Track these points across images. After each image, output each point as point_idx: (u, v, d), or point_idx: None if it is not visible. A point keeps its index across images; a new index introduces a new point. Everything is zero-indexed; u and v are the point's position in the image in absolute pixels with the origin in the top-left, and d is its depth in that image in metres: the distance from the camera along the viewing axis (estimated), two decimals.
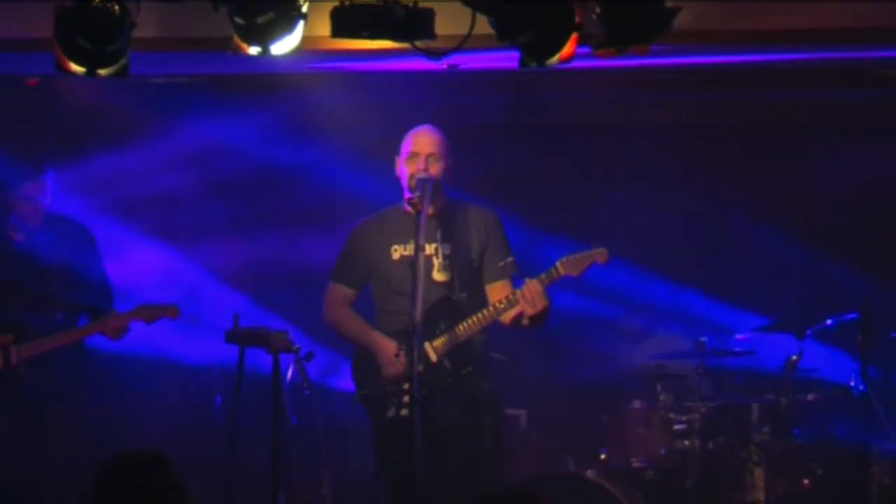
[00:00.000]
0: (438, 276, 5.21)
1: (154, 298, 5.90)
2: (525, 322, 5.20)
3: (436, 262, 5.21)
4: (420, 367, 5.01)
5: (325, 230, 6.88)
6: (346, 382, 6.48)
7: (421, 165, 5.15)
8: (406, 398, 4.87)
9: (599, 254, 5.15)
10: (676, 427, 6.49)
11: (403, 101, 6.48)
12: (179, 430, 6.93)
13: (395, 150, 5.32)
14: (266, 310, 6.85)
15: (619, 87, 6.59)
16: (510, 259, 5.31)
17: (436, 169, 5.18)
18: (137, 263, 6.88)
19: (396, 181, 5.33)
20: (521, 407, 6.68)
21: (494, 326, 5.29)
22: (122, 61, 4.55)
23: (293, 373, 6.26)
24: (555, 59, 4.52)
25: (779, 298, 7.15)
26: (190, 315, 6.57)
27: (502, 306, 5.13)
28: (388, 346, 5.17)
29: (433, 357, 5.16)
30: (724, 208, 7.35)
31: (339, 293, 5.38)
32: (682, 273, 7.36)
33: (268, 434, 5.44)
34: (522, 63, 4.57)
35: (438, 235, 5.23)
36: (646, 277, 7.32)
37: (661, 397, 6.55)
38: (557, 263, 5.12)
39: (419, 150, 5.19)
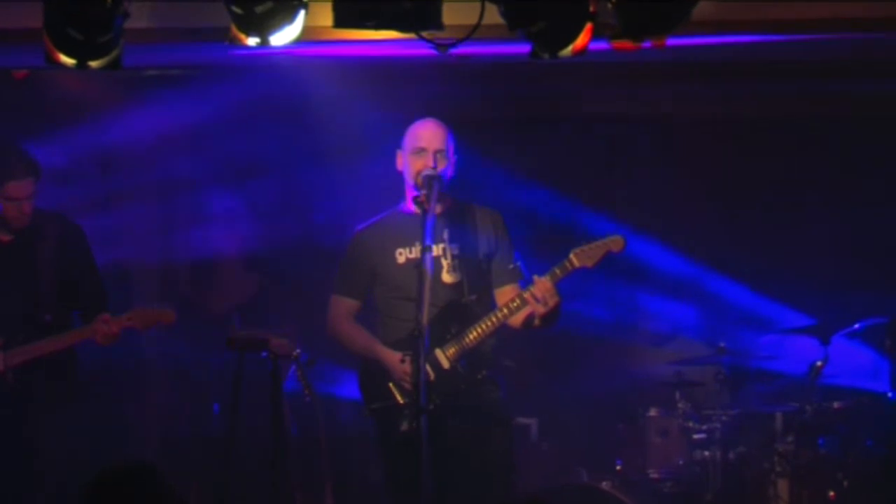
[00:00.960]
0: (448, 277, 5.15)
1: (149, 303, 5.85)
2: (536, 323, 5.13)
3: (444, 263, 5.15)
4: (431, 376, 5.00)
5: (322, 225, 6.88)
6: (349, 390, 6.45)
7: (430, 162, 5.07)
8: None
9: (614, 241, 5.05)
10: (696, 436, 6.47)
11: (403, 91, 6.44)
12: (175, 439, 6.92)
13: (397, 144, 5.23)
14: (266, 312, 6.83)
15: (648, 78, 6.56)
16: (518, 262, 5.23)
17: (444, 165, 5.10)
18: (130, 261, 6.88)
19: (397, 177, 5.24)
20: (531, 415, 6.66)
21: (504, 331, 5.21)
22: (115, 53, 4.51)
23: (294, 380, 6.25)
24: (568, 50, 4.48)
25: (806, 300, 7.11)
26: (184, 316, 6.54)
27: (515, 306, 5.06)
28: (396, 359, 5.08)
29: (445, 363, 5.09)
30: (748, 206, 7.35)
31: (343, 306, 5.29)
32: (704, 273, 7.35)
33: (267, 444, 5.41)
34: (533, 55, 4.52)
35: (446, 235, 5.17)
36: (664, 277, 7.31)
37: (680, 405, 6.52)
38: (571, 255, 5.03)
39: (427, 146, 5.11)
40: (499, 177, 6.80)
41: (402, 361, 5.03)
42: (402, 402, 5.06)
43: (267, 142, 7.06)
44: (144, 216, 7.15)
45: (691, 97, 7.09)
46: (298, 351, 5.44)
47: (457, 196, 5.28)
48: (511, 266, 5.23)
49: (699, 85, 6.85)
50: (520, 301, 5.06)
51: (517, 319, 5.15)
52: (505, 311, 5.09)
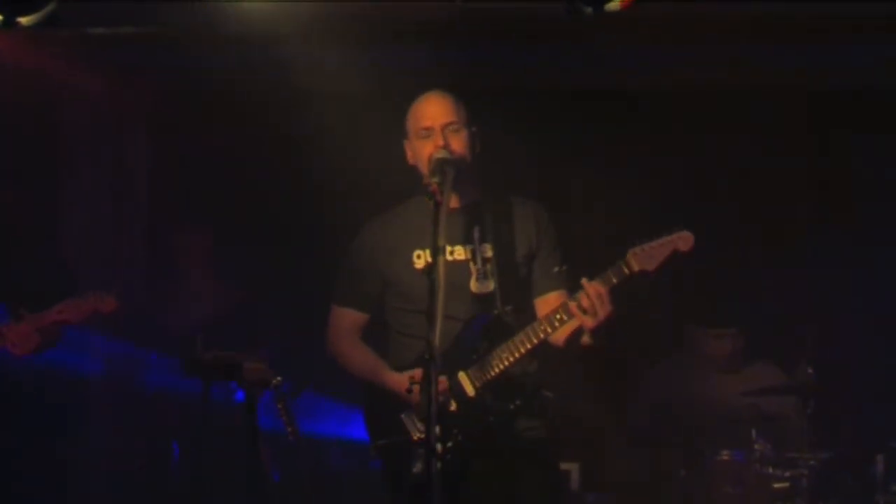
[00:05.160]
0: (477, 286, 5.10)
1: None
2: (585, 340, 5.04)
3: (473, 268, 5.09)
4: (452, 406, 4.92)
5: (312, 223, 6.87)
6: (342, 427, 6.42)
7: (439, 141, 5.02)
8: (439, 447, 4.59)
9: (682, 238, 4.92)
10: (777, 485, 6.45)
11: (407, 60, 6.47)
12: (126, 487, 6.88)
13: (402, 132, 5.19)
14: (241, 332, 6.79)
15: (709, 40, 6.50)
16: (565, 266, 5.16)
17: (459, 143, 5.04)
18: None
19: (409, 170, 5.17)
20: (572, 459, 6.71)
21: (546, 351, 5.13)
22: (49, 7, 4.49)
23: (273, 414, 6.21)
24: (615, 3, 4.45)
25: None
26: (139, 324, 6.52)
27: (558, 319, 4.97)
28: (404, 384, 4.97)
29: (470, 390, 5.03)
30: (833, 192, 7.43)
31: (347, 320, 5.25)
32: (782, 277, 7.31)
33: (241, 492, 5.36)
34: (574, 9, 4.49)
35: (476, 234, 5.12)
36: (733, 282, 7.26)
37: (757, 446, 6.49)
38: (628, 255, 4.92)
39: (432, 123, 5.06)
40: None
41: (409, 391, 4.94)
42: (415, 437, 5.01)
43: (241, 124, 7.06)
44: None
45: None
46: (279, 378, 5.40)
47: (488, 183, 5.22)
48: (556, 269, 5.15)
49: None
50: (563, 313, 4.95)
51: (560, 336, 5.05)
52: (545, 326, 4.98)
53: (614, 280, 4.91)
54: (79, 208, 7.12)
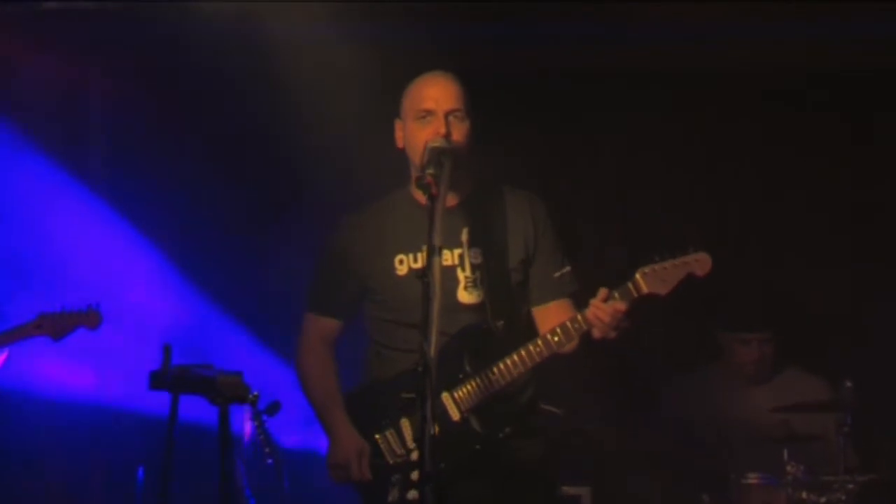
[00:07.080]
0: (465, 296, 5.02)
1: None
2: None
3: (461, 275, 5.02)
4: (435, 429, 4.80)
5: (294, 220, 6.84)
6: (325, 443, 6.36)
7: (441, 129, 4.94)
8: (415, 474, 4.58)
9: (698, 261, 4.86)
10: None
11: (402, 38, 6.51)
12: None
13: (395, 112, 5.11)
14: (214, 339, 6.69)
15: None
16: (567, 268, 5.09)
17: (460, 133, 4.97)
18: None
19: (398, 156, 5.09)
20: (582, 482, 6.68)
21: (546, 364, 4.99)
22: None
23: (251, 432, 6.13)
24: None
25: None
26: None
27: (556, 340, 4.87)
28: (347, 442, 4.98)
29: (454, 414, 4.95)
30: (871, 188, 7.44)
31: (317, 328, 5.19)
32: (818, 283, 7.31)
33: None
34: None
35: (464, 236, 5.04)
36: (761, 282, 7.31)
37: (789, 468, 6.45)
38: (637, 275, 4.82)
39: (435, 107, 4.99)
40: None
41: (360, 456, 4.95)
42: (390, 461, 4.98)
43: (217, 110, 7.04)
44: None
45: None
46: (256, 392, 5.31)
47: (479, 176, 5.12)
48: (557, 274, 5.08)
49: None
50: (562, 335, 4.87)
51: (568, 349, 4.96)
52: (541, 348, 4.89)
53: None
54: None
